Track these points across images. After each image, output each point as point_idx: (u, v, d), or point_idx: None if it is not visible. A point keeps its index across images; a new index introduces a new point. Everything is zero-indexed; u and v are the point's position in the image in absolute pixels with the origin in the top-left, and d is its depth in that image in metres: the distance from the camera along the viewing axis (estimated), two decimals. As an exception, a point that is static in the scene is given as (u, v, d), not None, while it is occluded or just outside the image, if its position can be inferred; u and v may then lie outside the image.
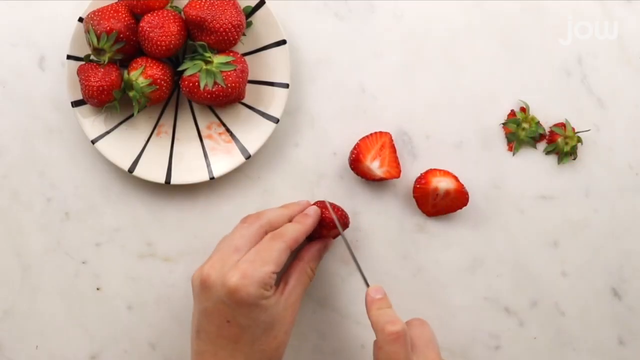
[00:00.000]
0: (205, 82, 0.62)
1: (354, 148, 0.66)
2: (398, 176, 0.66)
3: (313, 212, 0.63)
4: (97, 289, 0.69)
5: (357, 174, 0.67)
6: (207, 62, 0.62)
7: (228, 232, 0.62)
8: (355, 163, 0.66)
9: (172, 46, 0.62)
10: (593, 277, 0.69)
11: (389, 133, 0.66)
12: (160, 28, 0.62)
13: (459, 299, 0.68)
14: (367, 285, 0.60)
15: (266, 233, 0.60)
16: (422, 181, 0.66)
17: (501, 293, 0.69)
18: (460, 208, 0.67)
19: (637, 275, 0.69)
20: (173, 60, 0.67)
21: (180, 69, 0.63)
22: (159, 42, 0.62)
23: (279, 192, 0.68)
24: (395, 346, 0.54)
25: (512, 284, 0.69)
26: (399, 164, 0.66)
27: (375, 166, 0.65)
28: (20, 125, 0.68)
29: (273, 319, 0.58)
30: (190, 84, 0.62)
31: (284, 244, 0.58)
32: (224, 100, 0.63)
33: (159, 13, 0.62)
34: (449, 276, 0.68)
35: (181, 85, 0.63)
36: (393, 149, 0.66)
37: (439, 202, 0.66)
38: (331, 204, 0.64)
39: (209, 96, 0.62)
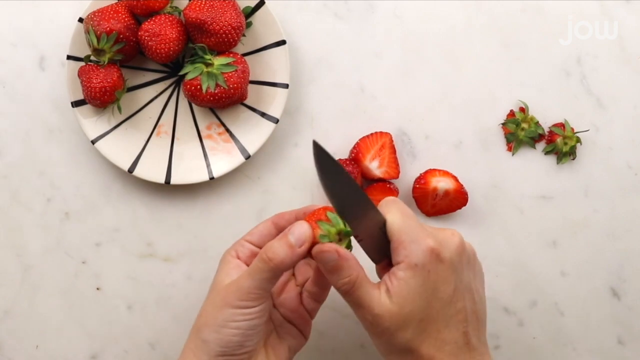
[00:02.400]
0: (207, 85, 0.62)
1: (354, 147, 0.66)
2: (397, 177, 0.66)
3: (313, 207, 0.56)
4: (97, 289, 0.69)
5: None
6: (208, 65, 0.62)
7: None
8: (355, 162, 0.66)
9: (171, 52, 0.62)
10: (592, 277, 0.69)
11: (389, 133, 0.66)
12: (157, 36, 0.62)
13: (458, 299, 0.68)
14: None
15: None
16: (421, 181, 0.66)
17: (501, 293, 0.69)
18: (460, 208, 0.67)
19: (636, 275, 0.69)
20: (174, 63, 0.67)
21: (181, 73, 0.63)
22: (158, 51, 0.62)
23: (279, 192, 0.68)
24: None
25: (511, 284, 0.69)
26: (398, 164, 0.66)
27: (374, 166, 0.66)
28: (20, 125, 0.68)
29: (214, 284, 0.55)
30: (193, 88, 0.62)
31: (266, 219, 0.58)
32: (227, 101, 0.63)
33: (157, 19, 0.62)
34: (448, 276, 0.68)
35: (183, 90, 0.63)
36: (393, 150, 0.66)
37: (438, 202, 0.66)
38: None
39: (211, 99, 0.62)
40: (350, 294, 0.51)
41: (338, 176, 0.51)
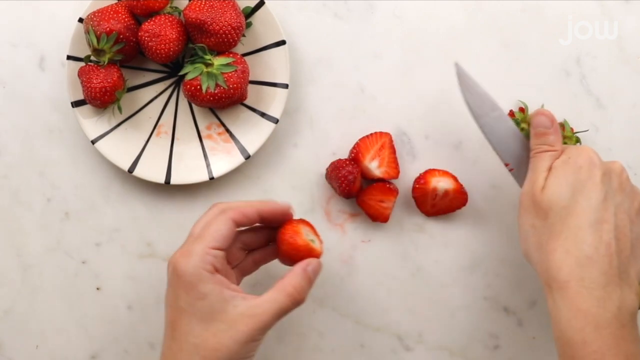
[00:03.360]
0: (207, 85, 0.62)
1: (354, 147, 0.66)
2: (396, 177, 0.66)
3: (279, 203, 0.59)
4: (97, 288, 0.69)
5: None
6: (208, 65, 0.62)
7: None
8: (354, 162, 0.66)
9: (171, 53, 0.62)
10: (592, 277, 0.69)
11: (389, 134, 0.66)
12: (157, 37, 0.62)
13: (458, 299, 0.68)
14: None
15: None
16: (421, 181, 0.66)
17: (500, 293, 0.69)
18: (459, 208, 0.67)
19: (635, 275, 0.69)
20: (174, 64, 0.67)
21: (181, 73, 0.63)
22: (158, 51, 0.62)
23: (279, 192, 0.68)
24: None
25: (511, 284, 0.69)
26: (397, 164, 0.66)
27: (374, 166, 0.66)
28: (20, 125, 0.68)
29: (213, 310, 0.52)
30: (192, 88, 0.62)
31: (224, 215, 0.55)
32: (227, 101, 0.63)
33: (157, 20, 0.62)
34: (448, 276, 0.69)
35: (183, 90, 0.64)
36: (392, 150, 0.66)
37: (438, 202, 0.66)
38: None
39: (211, 99, 0.62)
40: (534, 156, 0.59)
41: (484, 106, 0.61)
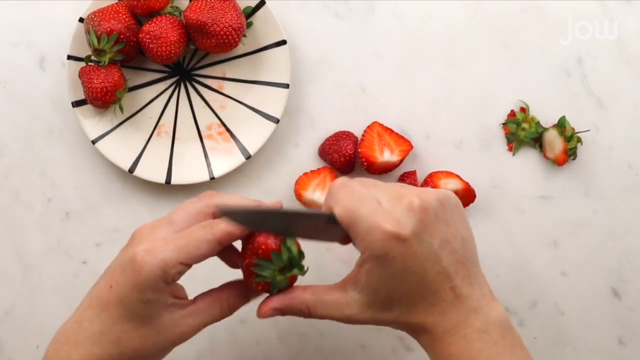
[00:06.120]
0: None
1: (360, 155, 0.65)
2: (411, 147, 0.66)
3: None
4: (98, 289, 0.69)
5: (373, 172, 0.66)
6: None
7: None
8: (371, 166, 0.65)
9: (172, 55, 0.63)
10: (593, 277, 0.69)
11: (375, 121, 0.66)
12: (159, 39, 0.62)
13: (458, 299, 0.68)
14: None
15: (214, 216, 0.51)
16: (431, 184, 0.65)
17: (501, 293, 0.68)
18: (467, 205, 0.67)
19: (636, 275, 0.69)
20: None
21: None
22: (159, 53, 0.62)
23: (280, 192, 0.68)
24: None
25: (512, 284, 0.69)
26: (404, 138, 0.66)
27: (387, 156, 0.65)
28: (21, 125, 0.68)
29: (149, 315, 0.49)
30: None
31: (210, 235, 0.49)
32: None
33: (158, 21, 0.62)
34: (449, 276, 0.68)
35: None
36: (389, 130, 0.66)
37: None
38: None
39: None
40: (313, 316, 0.51)
41: (260, 217, 0.50)
